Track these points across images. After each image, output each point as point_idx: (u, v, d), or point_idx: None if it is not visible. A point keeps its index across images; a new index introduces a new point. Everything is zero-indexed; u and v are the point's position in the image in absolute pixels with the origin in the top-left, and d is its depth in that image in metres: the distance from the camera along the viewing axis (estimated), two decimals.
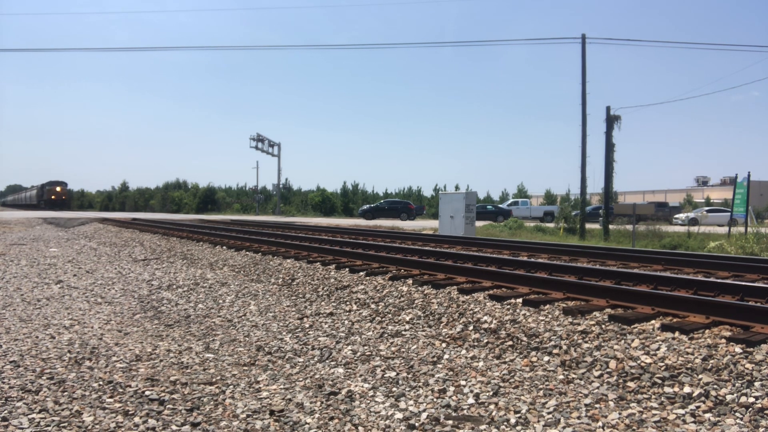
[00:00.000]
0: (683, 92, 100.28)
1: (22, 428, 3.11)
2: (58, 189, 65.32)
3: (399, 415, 3.42)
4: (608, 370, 3.86)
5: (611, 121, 20.15)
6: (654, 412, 3.28)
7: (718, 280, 5.71)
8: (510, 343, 4.63)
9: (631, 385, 3.63)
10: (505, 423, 3.26)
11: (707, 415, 3.17)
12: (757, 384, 3.33)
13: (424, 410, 3.48)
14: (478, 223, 24.93)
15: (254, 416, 3.42)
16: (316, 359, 4.66)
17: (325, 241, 12.49)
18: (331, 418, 3.40)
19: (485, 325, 5.00)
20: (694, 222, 27.91)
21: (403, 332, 5.24)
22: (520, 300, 5.40)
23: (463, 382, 3.92)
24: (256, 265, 9.41)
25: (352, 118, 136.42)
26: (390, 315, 5.81)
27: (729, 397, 3.28)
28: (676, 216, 34.19)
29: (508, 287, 6.07)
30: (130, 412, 3.38)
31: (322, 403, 3.66)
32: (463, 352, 4.59)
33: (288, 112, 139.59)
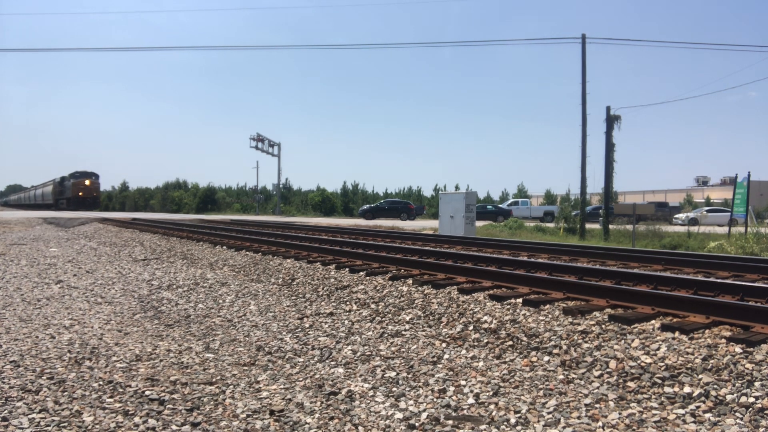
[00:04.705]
0: (683, 92, 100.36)
1: (22, 428, 3.10)
2: (87, 183, 50.39)
3: (399, 415, 3.41)
4: (608, 370, 3.86)
5: (611, 121, 20.15)
6: (654, 412, 3.28)
7: (718, 280, 5.71)
8: (510, 343, 4.63)
9: (631, 385, 3.63)
10: (505, 423, 3.26)
11: (707, 415, 3.17)
12: (757, 384, 3.33)
13: (424, 410, 3.48)
14: (478, 223, 24.93)
15: (254, 416, 3.42)
16: (316, 359, 4.66)
17: (325, 241, 12.49)
18: (331, 418, 3.40)
19: (485, 325, 5.00)
20: (694, 222, 27.91)
21: (403, 332, 5.24)
22: (520, 300, 5.40)
23: (463, 382, 3.92)
24: (256, 265, 9.41)
25: (352, 117, 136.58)
26: (390, 315, 5.81)
27: (729, 397, 3.28)
28: (676, 216, 34.20)
29: (508, 287, 6.06)
30: (130, 412, 3.38)
31: (322, 403, 3.65)
32: (463, 352, 4.59)
33: (288, 112, 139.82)
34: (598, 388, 3.67)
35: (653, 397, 3.47)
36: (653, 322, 4.44)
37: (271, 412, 3.47)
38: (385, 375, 4.17)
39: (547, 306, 5.13)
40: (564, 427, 3.17)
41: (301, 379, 4.17)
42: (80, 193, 49.74)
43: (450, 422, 3.28)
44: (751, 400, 3.21)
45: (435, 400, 3.65)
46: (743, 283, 5.48)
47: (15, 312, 6.27)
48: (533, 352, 4.38)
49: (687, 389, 3.44)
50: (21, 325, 5.60)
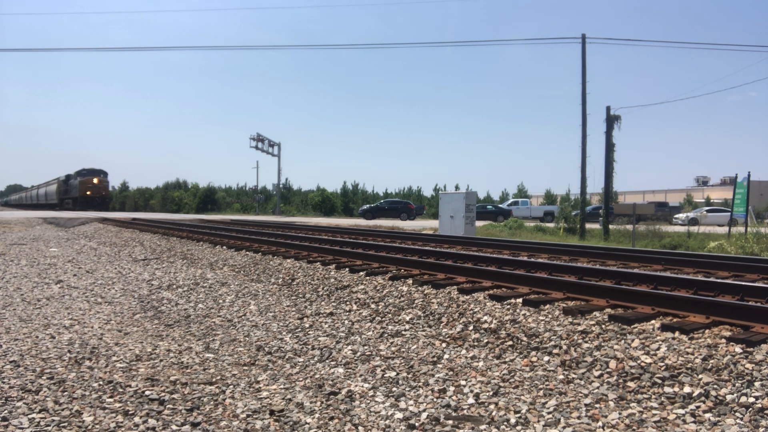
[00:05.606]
0: (683, 92, 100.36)
1: (22, 428, 3.10)
2: (95, 181, 46.34)
3: (399, 415, 3.41)
4: (608, 370, 3.86)
5: (611, 121, 20.16)
6: (654, 412, 3.28)
7: (718, 280, 5.71)
8: (510, 343, 4.63)
9: (631, 385, 3.63)
10: (505, 423, 3.26)
11: (707, 415, 3.17)
12: (757, 384, 3.33)
13: (424, 410, 3.48)
14: (478, 223, 24.93)
15: (254, 416, 3.42)
16: (316, 359, 4.66)
17: (325, 241, 12.49)
18: (331, 418, 3.40)
19: (485, 325, 5.00)
20: (694, 222, 27.92)
21: (403, 332, 5.24)
22: (520, 300, 5.40)
23: (463, 382, 3.92)
24: (256, 264, 9.41)
25: (352, 117, 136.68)
26: (390, 315, 5.81)
27: (729, 397, 3.28)
28: (676, 216, 34.22)
29: (508, 287, 6.06)
30: (130, 412, 3.38)
31: (322, 403, 3.65)
32: (463, 352, 4.59)
33: (288, 112, 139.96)
34: (598, 388, 3.67)
35: (653, 397, 3.47)
36: (653, 322, 4.44)
37: (271, 412, 3.47)
38: (385, 375, 4.17)
39: (547, 306, 5.13)
40: (564, 427, 3.17)
41: (301, 379, 4.17)
42: (88, 192, 46.04)
43: (450, 422, 3.28)
44: (751, 400, 3.21)
45: (435, 400, 3.65)
46: (743, 283, 5.48)
47: (15, 312, 6.27)
48: (533, 352, 4.38)
49: (687, 389, 3.44)
50: (21, 325, 5.60)
